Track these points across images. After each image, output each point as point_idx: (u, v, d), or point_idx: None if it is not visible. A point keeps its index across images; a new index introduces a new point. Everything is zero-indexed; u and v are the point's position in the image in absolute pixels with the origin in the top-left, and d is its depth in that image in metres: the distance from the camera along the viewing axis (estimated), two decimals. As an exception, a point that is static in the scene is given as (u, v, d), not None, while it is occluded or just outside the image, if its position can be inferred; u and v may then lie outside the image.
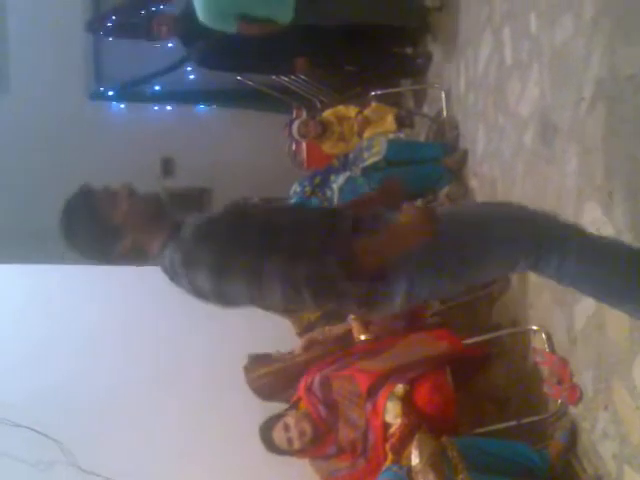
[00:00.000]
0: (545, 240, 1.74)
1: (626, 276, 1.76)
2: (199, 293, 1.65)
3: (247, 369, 3.32)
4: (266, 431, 2.92)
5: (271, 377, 3.27)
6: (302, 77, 5.09)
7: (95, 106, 5.85)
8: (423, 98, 4.93)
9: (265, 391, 3.28)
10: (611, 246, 1.85)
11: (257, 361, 3.34)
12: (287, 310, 1.67)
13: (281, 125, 4.93)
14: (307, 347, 3.33)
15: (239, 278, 1.59)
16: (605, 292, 1.83)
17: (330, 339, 3.34)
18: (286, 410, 3.02)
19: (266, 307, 1.73)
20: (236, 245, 1.59)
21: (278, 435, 2.89)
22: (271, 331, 3.73)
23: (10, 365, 4.06)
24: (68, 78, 5.68)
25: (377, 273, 1.61)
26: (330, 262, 1.55)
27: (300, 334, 3.53)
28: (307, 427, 2.86)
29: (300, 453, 2.93)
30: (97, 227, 1.70)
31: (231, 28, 3.91)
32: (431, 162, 4.08)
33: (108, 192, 1.72)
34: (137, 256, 1.74)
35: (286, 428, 2.88)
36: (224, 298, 1.65)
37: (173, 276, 1.68)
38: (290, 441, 2.87)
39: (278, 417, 2.95)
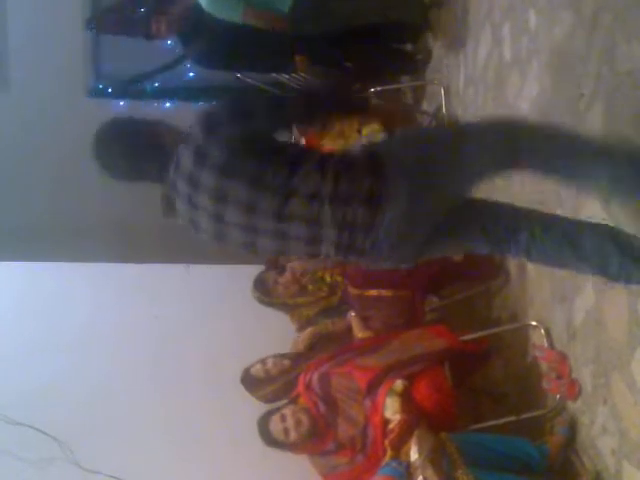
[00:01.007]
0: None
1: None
2: (209, 125, 1.79)
3: (251, 391, 3.31)
4: (263, 423, 2.93)
5: (276, 391, 3.28)
6: (301, 74, 5.08)
7: (94, 103, 5.83)
8: (422, 94, 4.92)
9: (271, 400, 3.29)
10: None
11: (258, 384, 3.32)
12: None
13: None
14: (309, 340, 3.33)
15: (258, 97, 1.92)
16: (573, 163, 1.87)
17: (333, 334, 3.34)
18: (284, 404, 3.03)
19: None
20: None
21: (275, 426, 2.89)
22: (270, 329, 3.73)
23: (9, 363, 4.06)
24: (67, 76, 5.66)
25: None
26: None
27: (299, 330, 3.53)
28: (304, 417, 2.87)
29: (298, 448, 2.93)
30: (132, 135, 2.02)
31: (237, 15, 3.80)
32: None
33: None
34: (159, 156, 1.92)
35: (283, 419, 2.89)
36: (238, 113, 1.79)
37: (180, 155, 1.82)
38: (286, 431, 2.87)
39: (276, 410, 2.97)
